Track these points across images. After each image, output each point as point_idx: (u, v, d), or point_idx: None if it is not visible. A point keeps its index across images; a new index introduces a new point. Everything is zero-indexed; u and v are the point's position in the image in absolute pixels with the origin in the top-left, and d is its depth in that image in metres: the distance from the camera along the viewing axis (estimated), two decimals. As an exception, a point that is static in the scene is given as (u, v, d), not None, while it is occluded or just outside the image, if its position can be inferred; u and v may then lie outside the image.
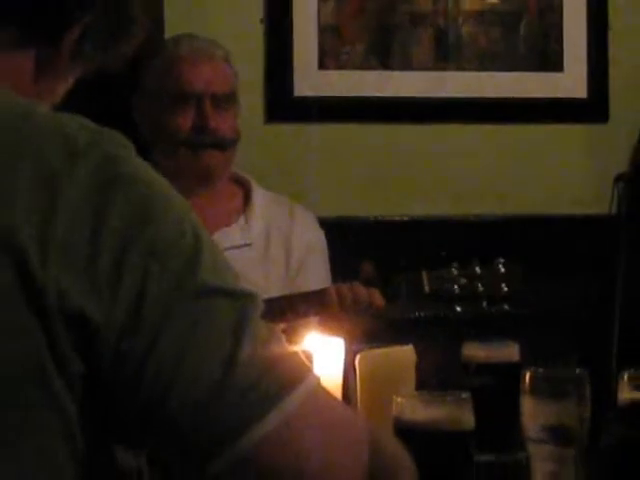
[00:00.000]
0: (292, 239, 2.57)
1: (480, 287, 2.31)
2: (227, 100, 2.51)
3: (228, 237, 2.45)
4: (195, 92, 2.48)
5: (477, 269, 2.31)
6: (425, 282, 2.32)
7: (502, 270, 2.32)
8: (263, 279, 2.44)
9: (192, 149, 2.47)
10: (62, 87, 1.16)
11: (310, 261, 2.57)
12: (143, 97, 2.56)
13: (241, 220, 2.55)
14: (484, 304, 2.32)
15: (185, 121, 2.47)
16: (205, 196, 2.47)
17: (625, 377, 1.68)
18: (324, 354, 1.78)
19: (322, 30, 3.19)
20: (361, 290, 2.29)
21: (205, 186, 2.50)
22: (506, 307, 2.33)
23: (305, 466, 0.99)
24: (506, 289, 2.32)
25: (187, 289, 0.97)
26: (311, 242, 2.59)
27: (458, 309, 2.33)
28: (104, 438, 1.01)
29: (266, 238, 2.55)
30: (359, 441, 1.03)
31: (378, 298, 2.29)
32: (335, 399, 1.09)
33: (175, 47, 2.54)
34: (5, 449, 0.95)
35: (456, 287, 2.31)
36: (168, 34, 2.91)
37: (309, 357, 1.68)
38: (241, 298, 1.00)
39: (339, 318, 2.27)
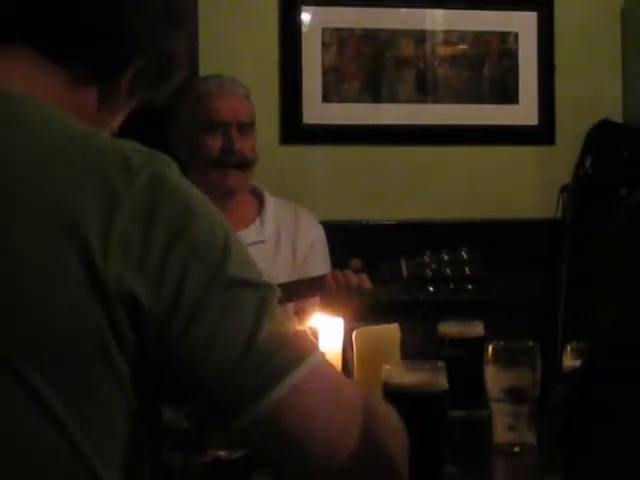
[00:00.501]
0: (297, 238, 2.55)
1: (448, 271, 2.29)
2: (249, 127, 2.48)
3: (246, 236, 2.44)
4: (223, 120, 2.45)
5: (445, 256, 2.30)
6: (403, 268, 2.30)
7: (465, 256, 2.30)
8: (274, 270, 2.43)
9: (221, 169, 2.44)
10: (118, 118, 1.14)
11: (312, 256, 2.55)
12: (178, 126, 2.53)
13: (257, 223, 2.54)
14: (452, 285, 2.31)
15: (215, 144, 2.44)
16: (229, 204, 2.46)
17: (569, 349, 1.68)
18: (327, 331, 1.77)
19: (326, 71, 3.19)
20: (352, 275, 2.29)
21: (230, 198, 2.49)
22: (470, 287, 2.31)
23: (311, 424, 0.98)
24: (469, 272, 2.30)
25: (219, 282, 0.96)
26: (313, 240, 2.57)
27: (431, 289, 2.31)
28: (151, 399, 1.00)
29: (276, 237, 2.54)
30: (356, 405, 1.02)
31: (366, 281, 2.29)
32: (336, 371, 1.08)
33: (204, 84, 2.52)
34: (75, 414, 0.94)
35: (428, 271, 2.30)
36: (201, 73, 2.90)
37: (315, 333, 1.67)
38: (262, 288, 0.99)
39: (336, 299, 2.27)
